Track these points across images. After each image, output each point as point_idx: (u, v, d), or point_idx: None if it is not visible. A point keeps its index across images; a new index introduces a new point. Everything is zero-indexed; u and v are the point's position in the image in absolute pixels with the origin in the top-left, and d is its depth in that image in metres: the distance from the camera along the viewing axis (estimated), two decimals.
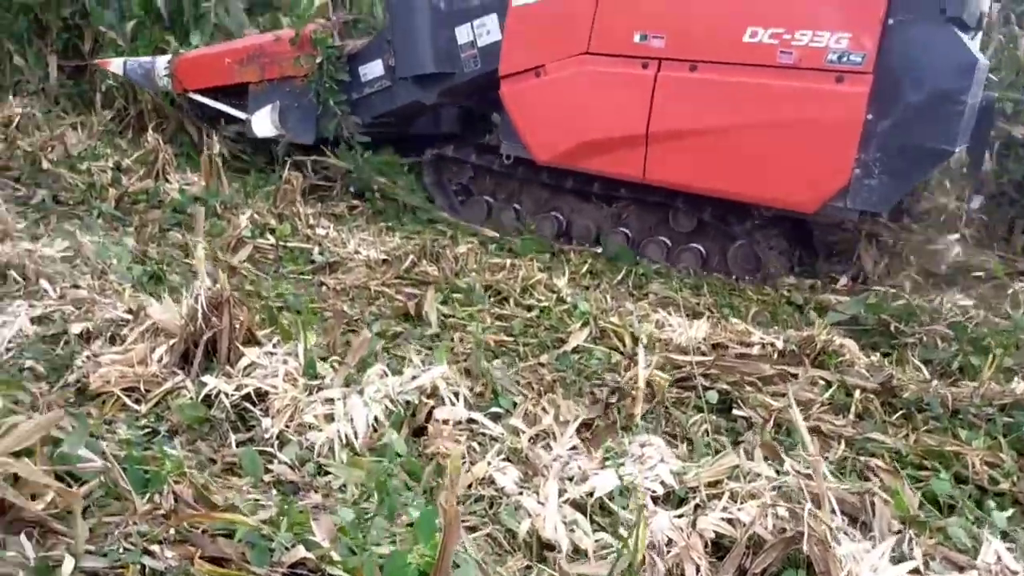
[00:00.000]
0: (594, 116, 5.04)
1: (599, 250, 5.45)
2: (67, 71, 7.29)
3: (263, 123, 6.02)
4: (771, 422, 3.11)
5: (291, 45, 5.86)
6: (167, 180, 5.37)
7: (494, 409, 2.86)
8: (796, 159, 4.63)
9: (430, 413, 2.70)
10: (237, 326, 2.96)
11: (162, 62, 6.36)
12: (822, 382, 3.43)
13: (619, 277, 5.01)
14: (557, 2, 5.07)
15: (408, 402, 2.71)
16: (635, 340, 3.75)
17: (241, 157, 6.43)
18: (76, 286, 3.45)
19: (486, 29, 5.37)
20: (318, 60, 5.74)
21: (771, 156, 4.67)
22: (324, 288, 4.24)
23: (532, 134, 5.29)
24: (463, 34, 5.44)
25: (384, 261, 4.64)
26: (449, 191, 6.09)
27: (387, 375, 2.85)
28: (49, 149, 5.30)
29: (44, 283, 3.38)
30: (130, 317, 3.13)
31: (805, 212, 4.85)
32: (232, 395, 2.73)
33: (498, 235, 5.60)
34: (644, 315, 4.18)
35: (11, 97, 6.61)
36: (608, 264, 5.27)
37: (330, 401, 2.70)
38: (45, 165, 5.14)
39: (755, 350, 3.63)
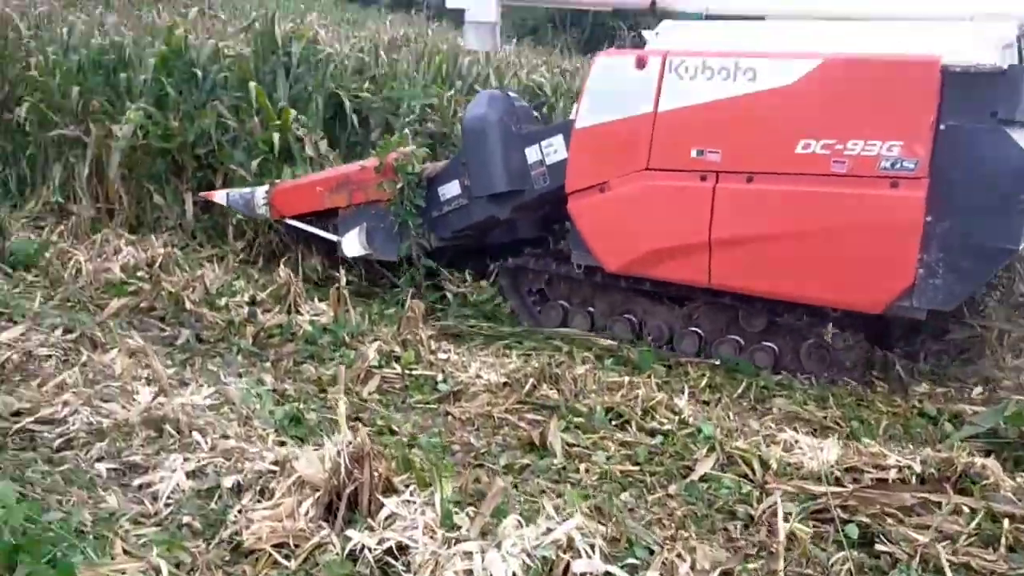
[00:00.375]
0: (657, 227, 5.29)
1: (716, 362, 5.43)
2: (200, 205, 7.83)
3: (352, 244, 6.53)
4: (917, 558, 3.01)
5: (375, 172, 6.37)
6: (298, 312, 5.67)
7: (630, 560, 2.87)
8: (858, 262, 4.74)
9: (567, 567, 2.73)
10: (376, 477, 3.10)
11: (260, 192, 6.92)
12: (967, 510, 3.30)
13: (739, 390, 4.98)
14: (617, 124, 5.33)
15: (545, 557, 2.75)
16: (765, 466, 3.72)
17: (363, 281, 6.74)
18: (225, 436, 3.67)
19: (553, 148, 5.78)
20: (399, 185, 6.24)
21: (833, 260, 4.79)
22: (450, 418, 4.38)
23: (600, 245, 5.56)
24: (532, 154, 5.85)
25: (505, 384, 4.76)
26: (525, 297, 6.33)
27: (522, 526, 2.91)
28: (191, 289, 5.68)
29: (196, 435, 3.61)
30: (277, 469, 3.31)
31: (872, 312, 4.90)
32: (375, 549, 2.85)
33: (615, 344, 5.66)
34: (770, 435, 4.13)
35: (152, 236, 7.12)
36: (727, 376, 5.24)
37: (468, 555, 2.78)
38: (188, 305, 5.50)
39: (892, 474, 3.55)
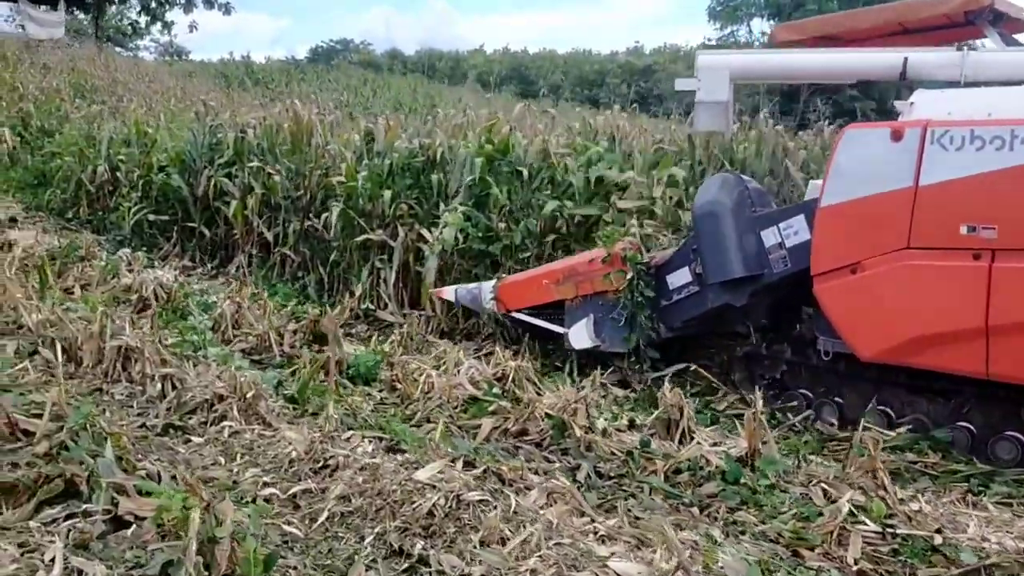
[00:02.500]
0: (922, 311, 4.87)
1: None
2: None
3: (580, 336, 6.44)
4: None
5: (603, 263, 6.30)
6: (693, 439, 4.80)
7: None
8: None
9: None
10: None
11: (488, 287, 6.99)
12: None
13: None
14: (870, 200, 5.00)
15: None
16: None
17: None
18: None
19: (793, 230, 5.51)
20: (629, 276, 6.13)
21: None
22: None
23: (853, 331, 5.19)
24: (770, 237, 5.62)
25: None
26: (761, 387, 5.77)
27: None
28: (571, 412, 4.93)
29: None
30: None
31: None
32: None
33: None
34: None
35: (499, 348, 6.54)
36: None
37: None
38: (578, 432, 4.74)
39: None
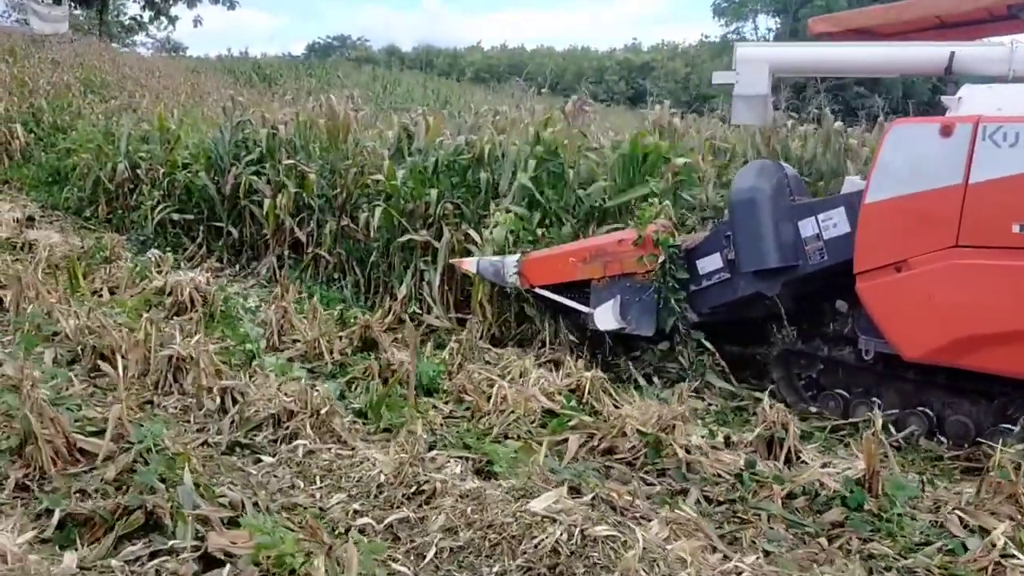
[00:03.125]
0: (972, 310, 4.75)
1: None
2: (567, 315, 6.95)
3: (605, 317, 6.25)
4: None
5: (634, 245, 6.10)
6: (800, 460, 4.46)
7: None
8: None
9: None
10: None
11: (511, 261, 6.71)
12: None
13: None
14: (917, 197, 4.88)
15: None
16: None
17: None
18: None
19: (832, 222, 5.36)
20: (660, 259, 5.95)
21: None
22: None
23: (897, 331, 5.06)
24: (807, 227, 5.46)
25: None
26: (799, 387, 5.83)
27: None
28: (667, 428, 4.59)
29: None
30: None
31: None
32: None
33: None
34: None
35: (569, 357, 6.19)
36: None
37: None
38: (680, 453, 4.40)
39: None
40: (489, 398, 5.20)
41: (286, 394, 4.81)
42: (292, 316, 6.64)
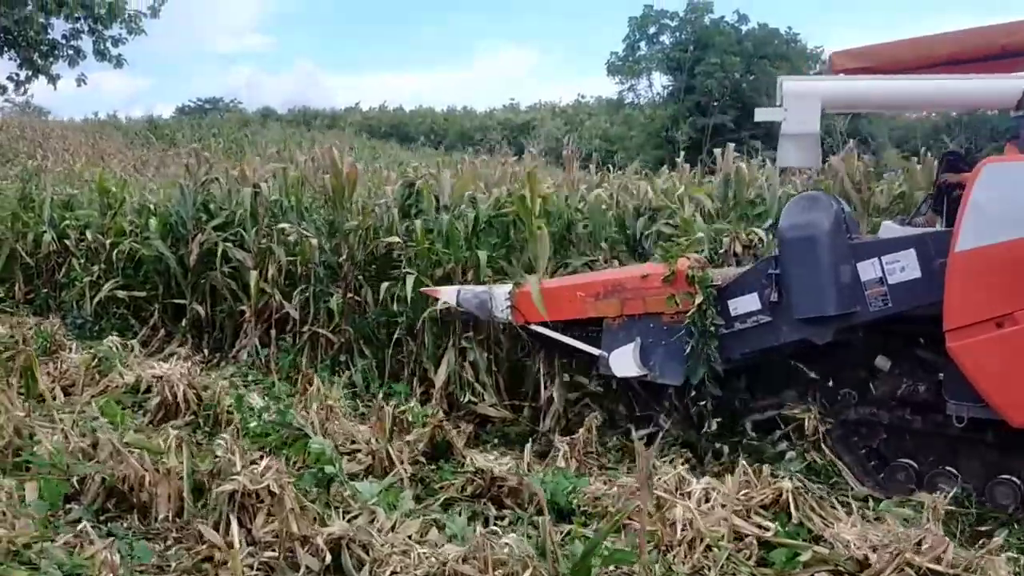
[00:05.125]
0: None
1: None
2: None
3: (624, 362, 5.50)
4: None
5: (664, 283, 5.39)
6: None
7: None
8: None
9: None
10: None
11: (501, 292, 5.95)
12: None
13: None
14: (1019, 244, 4.37)
15: None
16: None
17: None
18: None
19: (900, 265, 4.80)
20: (699, 300, 5.20)
21: None
22: None
23: (1003, 394, 4.47)
24: (868, 270, 4.87)
25: None
26: (860, 455, 5.07)
27: None
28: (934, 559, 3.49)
29: None
30: None
31: None
32: None
33: None
34: None
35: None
36: None
37: None
38: None
39: None
40: (671, 524, 3.98)
41: (423, 543, 3.46)
42: (340, 417, 5.25)
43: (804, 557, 3.70)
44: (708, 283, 5.24)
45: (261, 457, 4.09)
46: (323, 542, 3.48)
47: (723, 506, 4.09)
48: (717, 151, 7.87)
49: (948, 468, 4.83)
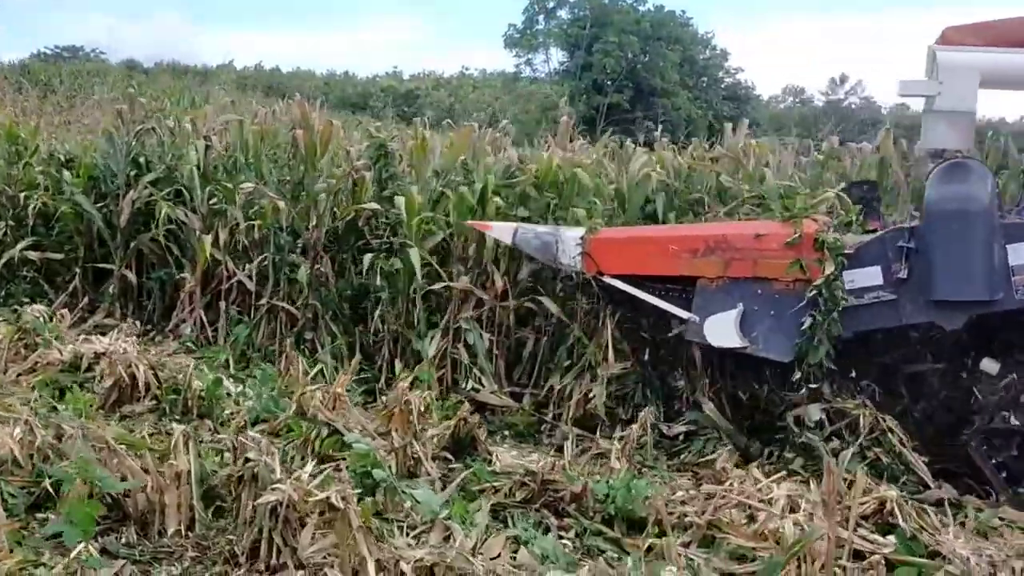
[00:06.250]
0: None
1: None
2: None
3: (724, 330, 4.85)
4: None
5: (786, 245, 4.76)
6: None
7: None
8: None
9: None
10: None
11: (571, 236, 5.24)
12: None
13: None
14: None
15: None
16: None
17: None
18: None
19: None
20: (828, 268, 4.63)
21: None
22: None
23: None
24: (1018, 254, 4.47)
25: None
26: (993, 470, 4.65)
27: None
28: None
29: None
30: None
31: None
32: None
33: None
34: None
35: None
36: None
37: None
38: None
39: None
40: (763, 536, 3.55)
41: (519, 568, 2.89)
42: (351, 407, 4.57)
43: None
44: (841, 250, 4.70)
45: (302, 460, 3.39)
46: (410, 570, 2.84)
47: (818, 516, 3.68)
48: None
49: None
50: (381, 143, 6.88)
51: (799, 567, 3.38)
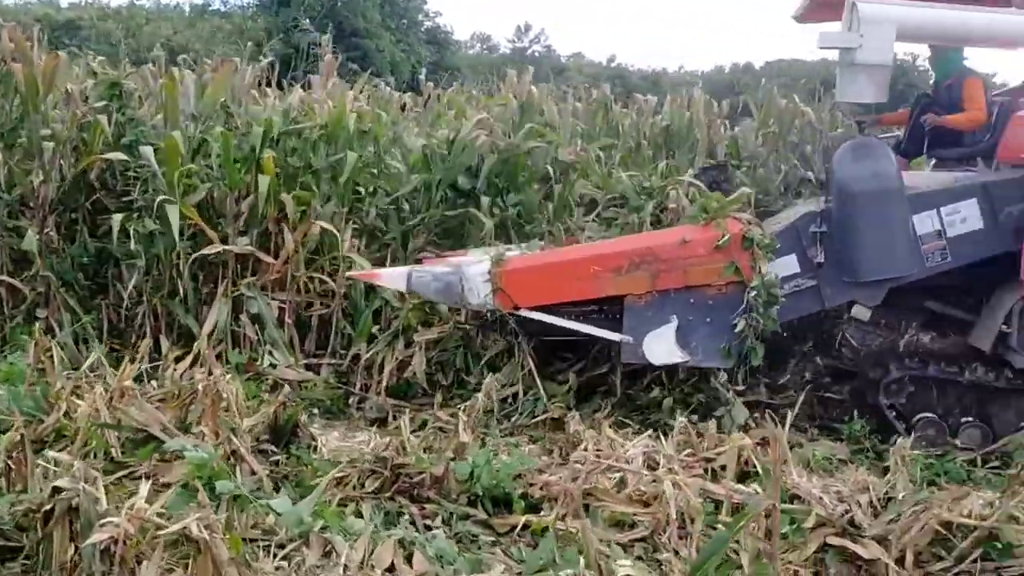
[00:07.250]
0: None
1: None
2: None
3: (663, 347, 4.63)
4: None
5: (716, 249, 4.61)
6: None
7: None
8: None
9: None
10: None
11: (476, 272, 4.71)
12: None
13: None
14: None
15: None
16: None
17: None
18: None
19: (960, 217, 4.61)
20: (761, 269, 4.55)
21: None
22: None
23: None
24: (925, 223, 4.61)
25: None
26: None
27: None
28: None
29: None
30: None
31: None
32: None
33: None
34: None
35: None
36: None
37: None
38: None
39: None
40: (645, 503, 3.43)
41: None
42: (142, 401, 3.78)
43: (808, 523, 3.38)
44: (772, 246, 4.56)
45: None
46: None
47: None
48: None
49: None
50: (114, 81, 5.80)
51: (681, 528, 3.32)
